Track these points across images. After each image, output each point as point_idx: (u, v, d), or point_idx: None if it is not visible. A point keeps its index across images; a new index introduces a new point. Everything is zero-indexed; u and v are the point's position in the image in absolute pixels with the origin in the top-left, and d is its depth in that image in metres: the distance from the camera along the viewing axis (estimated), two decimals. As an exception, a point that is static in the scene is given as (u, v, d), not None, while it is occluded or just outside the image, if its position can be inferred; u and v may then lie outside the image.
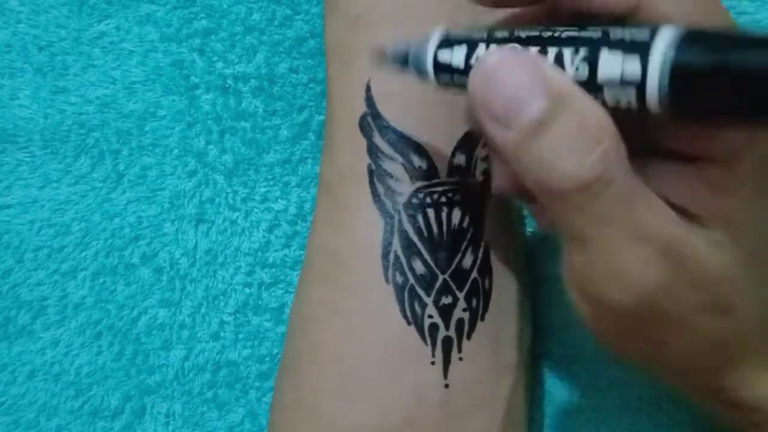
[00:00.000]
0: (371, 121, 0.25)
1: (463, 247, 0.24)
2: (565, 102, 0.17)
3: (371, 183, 0.25)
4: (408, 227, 0.24)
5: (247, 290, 0.31)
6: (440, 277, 0.24)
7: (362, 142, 0.25)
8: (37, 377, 0.31)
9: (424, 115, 0.25)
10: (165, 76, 0.32)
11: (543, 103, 0.17)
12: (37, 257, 0.32)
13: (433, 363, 0.24)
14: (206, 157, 0.31)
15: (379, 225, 0.24)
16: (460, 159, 0.25)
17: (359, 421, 0.24)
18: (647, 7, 0.18)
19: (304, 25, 0.31)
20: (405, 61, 0.21)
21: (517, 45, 0.19)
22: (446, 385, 0.24)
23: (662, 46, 0.15)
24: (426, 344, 0.24)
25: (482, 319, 0.25)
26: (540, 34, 0.18)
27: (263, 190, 0.31)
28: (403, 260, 0.24)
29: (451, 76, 0.20)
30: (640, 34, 0.16)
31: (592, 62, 0.17)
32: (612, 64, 0.17)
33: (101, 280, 0.31)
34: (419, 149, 0.24)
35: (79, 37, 0.32)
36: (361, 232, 0.24)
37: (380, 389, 0.24)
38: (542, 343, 0.30)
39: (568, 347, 0.30)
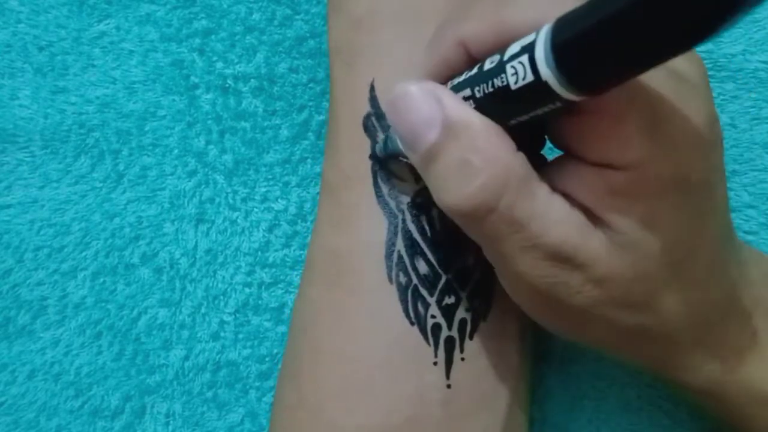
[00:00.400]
0: (375, 121, 0.25)
1: (466, 247, 0.24)
2: (456, 132, 0.19)
3: (375, 183, 0.25)
4: (412, 227, 0.24)
5: (247, 290, 0.31)
6: (443, 277, 0.24)
7: (365, 143, 0.25)
8: (37, 377, 0.31)
9: None
10: (165, 76, 0.32)
11: (436, 131, 0.19)
12: (37, 257, 0.32)
13: (435, 363, 0.24)
14: (206, 157, 0.31)
15: (383, 225, 0.24)
16: None
17: (361, 421, 0.24)
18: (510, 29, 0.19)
19: (304, 25, 0.31)
20: (390, 151, 0.23)
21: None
22: (448, 386, 0.24)
23: (541, 37, 0.17)
24: (429, 344, 0.24)
25: (484, 319, 0.25)
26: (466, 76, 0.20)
27: (263, 190, 0.31)
28: (407, 260, 0.24)
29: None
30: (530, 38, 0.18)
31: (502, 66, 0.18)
32: (516, 44, 0.18)
33: (101, 279, 0.31)
34: None
35: (79, 37, 0.32)
36: (365, 233, 0.24)
37: (383, 389, 0.24)
38: (543, 343, 0.30)
39: (569, 347, 0.30)
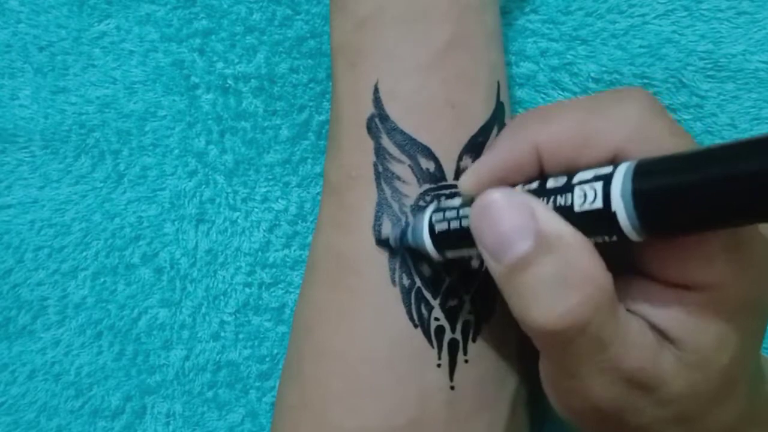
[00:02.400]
0: (379, 122, 0.25)
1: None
2: (551, 246, 0.18)
3: (378, 185, 0.25)
4: (408, 230, 0.24)
5: (247, 290, 0.31)
6: (447, 280, 0.24)
7: (369, 144, 0.25)
8: (38, 377, 0.31)
9: (431, 117, 0.25)
10: (165, 76, 0.32)
11: (529, 242, 0.18)
12: (37, 257, 0.32)
13: (439, 365, 0.24)
14: (206, 157, 0.31)
15: (387, 227, 0.24)
16: (467, 162, 0.24)
17: (365, 423, 0.24)
18: (625, 157, 0.19)
19: (304, 25, 0.31)
20: (406, 243, 0.24)
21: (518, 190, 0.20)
22: (452, 387, 0.24)
23: (621, 172, 0.18)
24: (432, 347, 0.24)
25: (488, 321, 0.25)
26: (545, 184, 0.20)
27: (263, 190, 0.31)
28: (410, 263, 0.24)
29: (449, 241, 0.22)
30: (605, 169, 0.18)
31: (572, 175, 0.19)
32: (588, 172, 0.19)
33: (101, 280, 0.31)
34: (427, 151, 0.24)
35: (80, 37, 0.32)
36: (369, 235, 0.24)
37: (386, 392, 0.24)
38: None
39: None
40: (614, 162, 0.19)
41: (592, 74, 0.30)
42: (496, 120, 0.25)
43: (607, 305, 0.19)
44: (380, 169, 0.25)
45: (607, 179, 0.18)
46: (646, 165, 0.17)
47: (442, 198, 0.24)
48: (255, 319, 0.31)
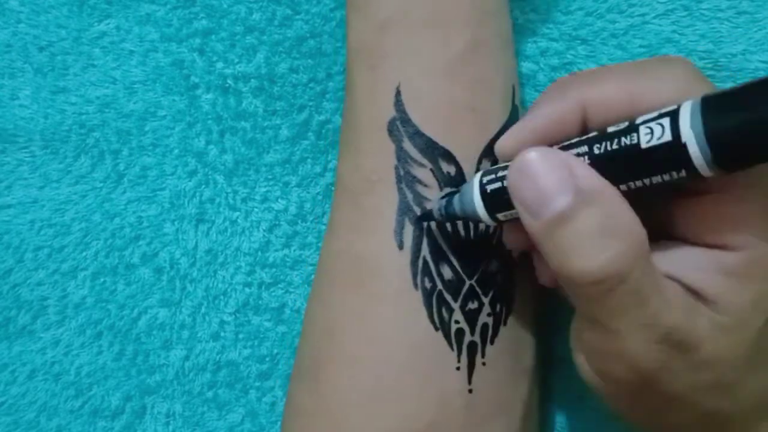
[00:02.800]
0: (400, 125, 0.24)
1: (489, 253, 0.25)
2: (590, 200, 0.19)
3: (399, 189, 0.24)
4: (437, 233, 0.24)
5: (247, 290, 0.31)
6: (467, 283, 0.24)
7: (390, 147, 0.24)
8: (38, 377, 0.31)
9: (450, 121, 0.24)
10: (165, 76, 0.32)
11: (568, 198, 0.19)
12: (37, 257, 0.32)
13: (458, 368, 0.24)
14: (206, 157, 0.31)
15: (408, 231, 0.24)
16: (485, 166, 0.24)
17: (385, 427, 0.24)
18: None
19: (304, 25, 0.31)
20: (449, 211, 0.23)
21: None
22: (470, 390, 0.24)
23: (687, 105, 0.18)
24: (452, 350, 0.24)
25: (505, 323, 0.25)
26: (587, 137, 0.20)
27: (263, 190, 0.31)
28: (432, 266, 0.24)
29: (501, 202, 0.21)
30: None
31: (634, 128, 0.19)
32: (650, 114, 0.19)
33: (101, 280, 0.31)
34: (447, 155, 0.24)
35: (80, 37, 0.32)
36: (390, 239, 0.24)
37: (408, 396, 0.24)
38: (543, 343, 0.30)
39: (569, 348, 0.30)
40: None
41: (592, 74, 0.30)
42: (512, 124, 0.25)
43: (646, 258, 0.19)
44: (401, 172, 0.24)
45: (673, 115, 0.18)
46: (712, 98, 0.17)
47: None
48: (255, 319, 0.31)
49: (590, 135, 0.20)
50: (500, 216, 0.22)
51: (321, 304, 0.26)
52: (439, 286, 0.24)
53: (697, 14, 0.30)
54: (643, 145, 0.18)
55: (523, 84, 0.31)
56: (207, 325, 0.31)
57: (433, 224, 0.24)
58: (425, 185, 0.24)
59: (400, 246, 0.24)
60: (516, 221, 0.21)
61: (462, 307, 0.24)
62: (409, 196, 0.24)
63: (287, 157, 0.31)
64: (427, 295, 0.24)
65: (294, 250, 0.31)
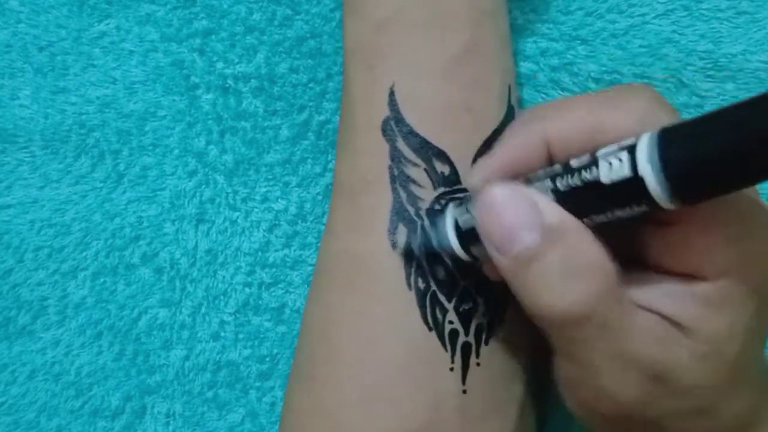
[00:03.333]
0: (394, 125, 0.25)
1: None
2: (556, 237, 0.19)
3: (393, 189, 0.24)
4: (431, 233, 0.24)
5: (247, 290, 0.31)
6: (461, 283, 0.24)
7: (384, 147, 0.25)
8: (38, 377, 0.31)
9: (446, 121, 0.25)
10: (165, 76, 0.32)
11: (534, 235, 0.19)
12: (37, 257, 0.32)
13: (452, 369, 0.24)
14: (206, 157, 0.31)
15: (402, 231, 0.24)
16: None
17: (381, 427, 0.24)
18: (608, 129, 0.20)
19: (304, 25, 0.31)
20: (430, 248, 0.24)
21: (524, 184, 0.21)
22: (464, 391, 0.24)
23: (645, 138, 0.18)
24: (446, 350, 0.24)
25: (500, 323, 0.25)
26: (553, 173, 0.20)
27: (263, 190, 0.31)
28: (426, 266, 0.24)
29: (475, 237, 0.21)
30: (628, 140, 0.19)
31: (593, 163, 0.19)
32: (611, 146, 0.19)
33: (101, 280, 0.32)
34: (441, 155, 0.24)
35: (80, 37, 0.32)
36: (384, 238, 0.24)
37: (402, 397, 0.24)
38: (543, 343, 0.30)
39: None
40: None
41: (592, 74, 0.30)
42: (507, 123, 0.25)
43: (613, 292, 0.19)
44: (395, 172, 0.24)
45: (631, 148, 0.18)
46: (669, 130, 0.18)
47: (457, 200, 0.24)
48: (255, 319, 0.31)
49: (554, 168, 0.20)
50: (474, 251, 0.23)
51: (318, 304, 0.26)
52: (433, 286, 0.24)
53: (697, 14, 0.30)
54: (604, 180, 0.18)
55: (522, 84, 0.31)
56: (207, 325, 0.31)
57: (427, 224, 0.24)
58: (419, 185, 0.24)
59: (394, 246, 0.24)
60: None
61: (456, 308, 0.24)
62: (403, 195, 0.24)
63: (287, 157, 0.31)
64: (421, 296, 0.24)
65: (294, 251, 0.31)
